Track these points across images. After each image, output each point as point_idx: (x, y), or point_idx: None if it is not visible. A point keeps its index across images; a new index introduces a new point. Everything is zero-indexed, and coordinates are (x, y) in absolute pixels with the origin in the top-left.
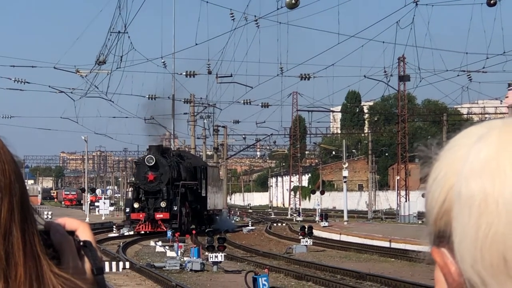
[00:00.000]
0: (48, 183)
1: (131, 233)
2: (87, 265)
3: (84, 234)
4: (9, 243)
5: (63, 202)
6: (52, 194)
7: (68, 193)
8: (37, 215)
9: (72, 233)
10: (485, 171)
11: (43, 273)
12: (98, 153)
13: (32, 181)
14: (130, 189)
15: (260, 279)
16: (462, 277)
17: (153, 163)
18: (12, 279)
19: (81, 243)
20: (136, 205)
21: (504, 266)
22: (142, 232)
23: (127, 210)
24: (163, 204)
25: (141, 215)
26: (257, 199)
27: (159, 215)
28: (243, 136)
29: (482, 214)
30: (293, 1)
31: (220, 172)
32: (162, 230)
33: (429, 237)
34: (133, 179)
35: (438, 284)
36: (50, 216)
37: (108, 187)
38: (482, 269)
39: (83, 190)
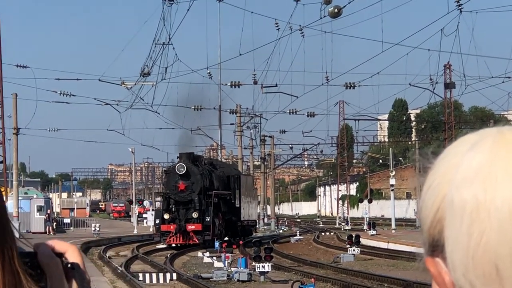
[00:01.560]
0: (96, 195)
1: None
2: (74, 287)
3: (73, 256)
4: None
5: (111, 214)
6: (100, 206)
7: (116, 205)
8: (17, 232)
9: (60, 255)
10: (477, 179)
11: None
12: (145, 165)
13: (80, 194)
14: (159, 199)
15: None
16: (455, 287)
17: (184, 171)
18: None
19: (69, 265)
20: (166, 216)
21: (496, 275)
22: (173, 245)
23: (157, 221)
24: (195, 215)
25: (171, 227)
26: (305, 208)
27: (191, 227)
28: (290, 145)
29: (474, 222)
30: (336, 10)
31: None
32: (194, 242)
33: (423, 246)
34: (163, 188)
35: None
36: (98, 228)
37: (156, 199)
38: (474, 278)
39: (131, 202)
